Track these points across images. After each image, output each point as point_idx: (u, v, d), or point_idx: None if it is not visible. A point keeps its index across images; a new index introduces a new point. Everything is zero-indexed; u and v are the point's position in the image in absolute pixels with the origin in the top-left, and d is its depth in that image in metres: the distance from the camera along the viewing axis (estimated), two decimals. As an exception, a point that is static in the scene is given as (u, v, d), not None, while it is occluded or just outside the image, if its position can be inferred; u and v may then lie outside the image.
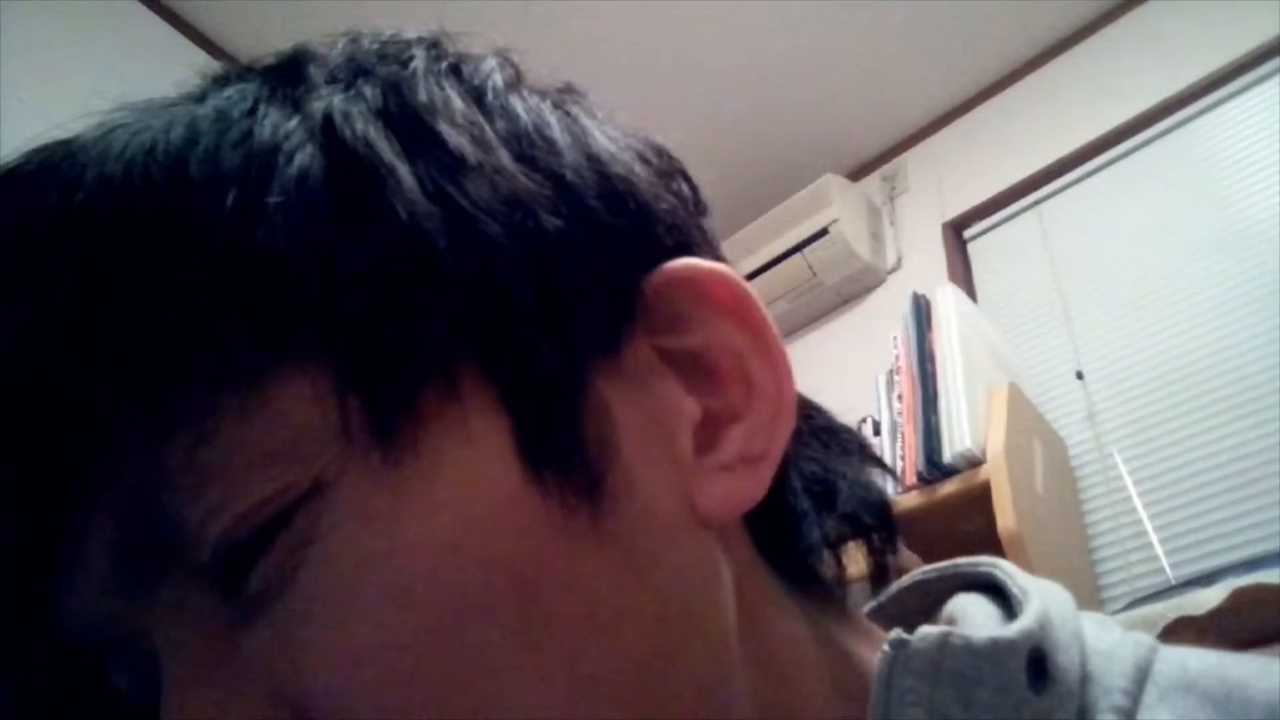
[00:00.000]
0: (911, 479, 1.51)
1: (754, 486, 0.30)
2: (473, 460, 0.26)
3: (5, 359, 0.25)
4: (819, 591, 0.35)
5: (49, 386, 0.25)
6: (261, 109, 0.28)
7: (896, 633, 0.29)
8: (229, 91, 0.29)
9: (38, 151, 0.27)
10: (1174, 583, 1.30)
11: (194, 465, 0.25)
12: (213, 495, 0.25)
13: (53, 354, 0.25)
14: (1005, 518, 1.35)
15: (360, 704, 0.25)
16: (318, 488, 0.25)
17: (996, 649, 0.29)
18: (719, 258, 0.33)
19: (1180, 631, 0.94)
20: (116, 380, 0.25)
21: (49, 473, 0.26)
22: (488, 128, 0.30)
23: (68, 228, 0.25)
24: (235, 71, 0.31)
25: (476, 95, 0.31)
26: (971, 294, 2.08)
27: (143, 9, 1.99)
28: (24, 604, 0.28)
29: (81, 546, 0.27)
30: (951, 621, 0.32)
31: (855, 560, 0.36)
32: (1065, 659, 0.30)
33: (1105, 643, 0.31)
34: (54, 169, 0.26)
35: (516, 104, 0.31)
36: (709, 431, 0.30)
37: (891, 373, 1.69)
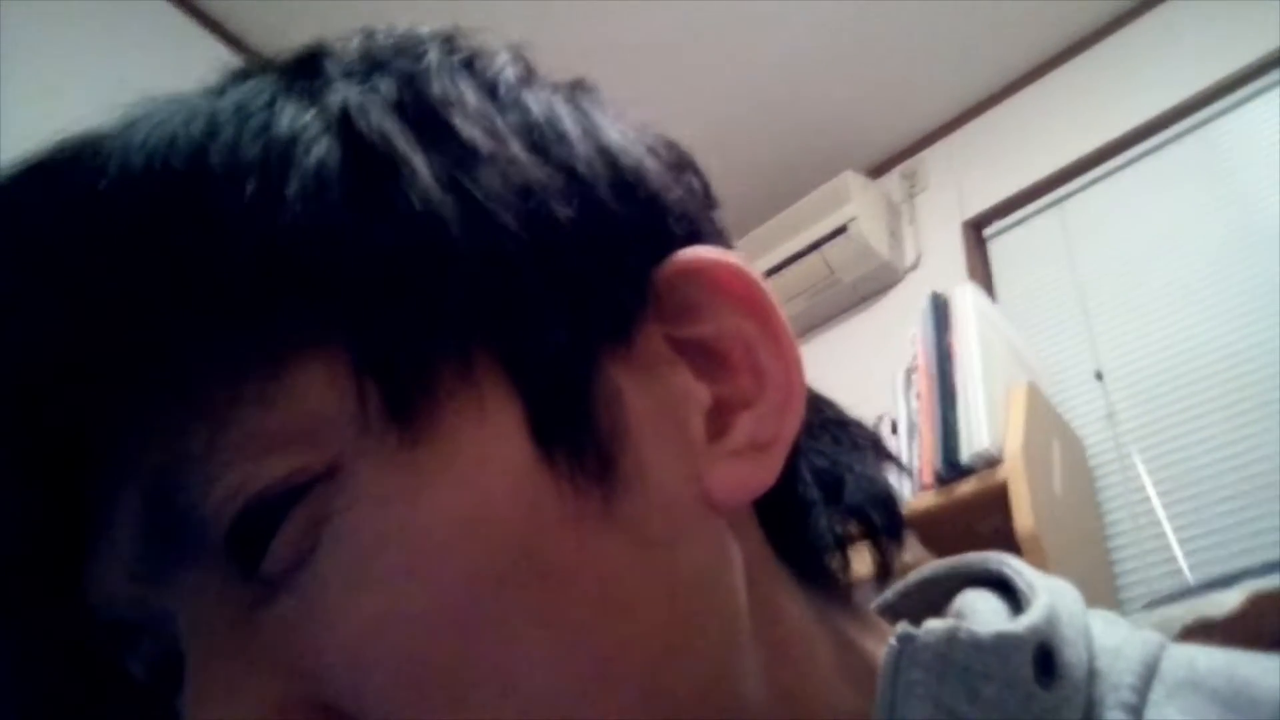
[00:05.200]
0: (929, 479, 1.50)
1: (764, 472, 0.31)
2: (487, 441, 0.27)
3: (31, 345, 0.26)
4: (825, 583, 0.35)
5: (73, 373, 0.26)
6: (279, 102, 0.29)
7: (903, 626, 0.29)
8: (247, 86, 0.30)
9: (62, 144, 0.28)
10: (1192, 585, 1.29)
11: (214, 450, 0.26)
12: (232, 478, 0.26)
13: (76, 341, 0.26)
14: (1023, 518, 1.35)
15: (373, 676, 0.25)
16: (333, 469, 0.26)
17: (1003, 644, 0.29)
18: (729, 249, 0.33)
19: (1198, 635, 0.93)
20: (138, 367, 0.26)
21: (75, 458, 0.27)
22: (500, 120, 0.31)
23: (90, 217, 0.26)
24: (254, 67, 0.31)
25: (489, 89, 0.32)
26: (991, 293, 2.07)
27: (168, 5, 2.01)
28: (51, 590, 0.29)
29: (108, 531, 0.28)
30: (959, 617, 0.32)
31: (863, 559, 0.36)
32: (1073, 655, 0.30)
33: (1113, 640, 0.31)
34: (78, 160, 0.27)
35: (528, 98, 0.32)
36: (719, 418, 0.31)
37: (909, 372, 1.68)
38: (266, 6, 2.01)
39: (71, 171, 0.27)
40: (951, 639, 0.29)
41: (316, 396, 0.26)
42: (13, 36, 1.61)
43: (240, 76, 0.31)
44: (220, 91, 0.30)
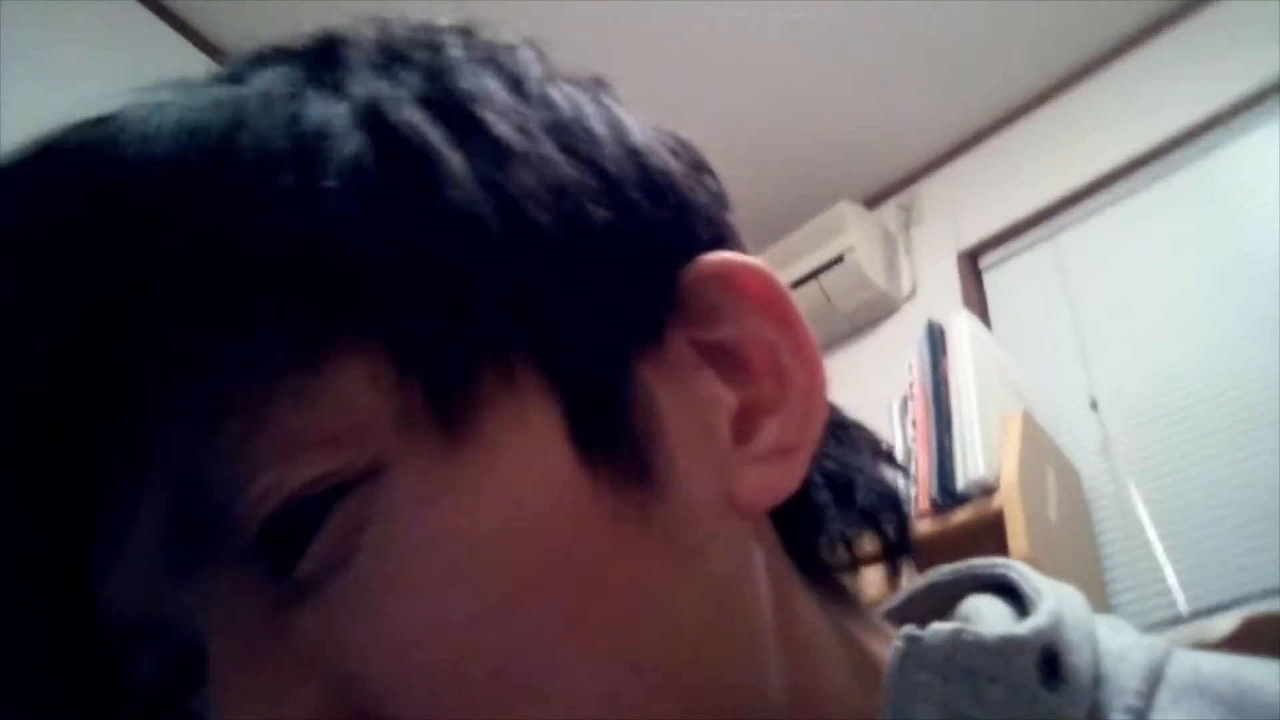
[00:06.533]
0: (925, 506, 1.51)
1: (789, 477, 0.30)
2: (528, 447, 0.27)
3: (54, 343, 0.25)
4: (835, 586, 0.35)
5: (96, 370, 0.25)
6: (305, 93, 0.28)
7: (909, 628, 0.29)
8: (268, 74, 0.29)
9: (73, 128, 0.26)
10: (1186, 615, 1.29)
11: (249, 448, 0.25)
12: (267, 477, 0.25)
13: (97, 338, 0.25)
14: (1018, 546, 1.35)
15: (414, 684, 0.25)
16: (373, 469, 0.25)
17: (1008, 646, 0.29)
18: (745, 253, 0.33)
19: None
20: (165, 365, 0.25)
21: (99, 455, 0.26)
22: (530, 117, 0.30)
23: (109, 208, 0.25)
24: (269, 53, 0.31)
25: (515, 84, 0.31)
26: (986, 323, 2.07)
27: (140, 8, 1.99)
28: (64, 590, 0.28)
29: (129, 530, 0.26)
30: (965, 621, 0.32)
31: (874, 578, 0.37)
32: (1078, 658, 0.30)
33: (1118, 644, 0.31)
34: (92, 147, 0.26)
35: (554, 94, 0.32)
36: (744, 423, 0.31)
37: (905, 400, 1.69)
38: (242, 10, 1.98)
39: (85, 157, 0.26)
40: (957, 641, 0.29)
41: (357, 395, 0.25)
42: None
43: (255, 63, 0.30)
44: (236, 78, 0.29)
